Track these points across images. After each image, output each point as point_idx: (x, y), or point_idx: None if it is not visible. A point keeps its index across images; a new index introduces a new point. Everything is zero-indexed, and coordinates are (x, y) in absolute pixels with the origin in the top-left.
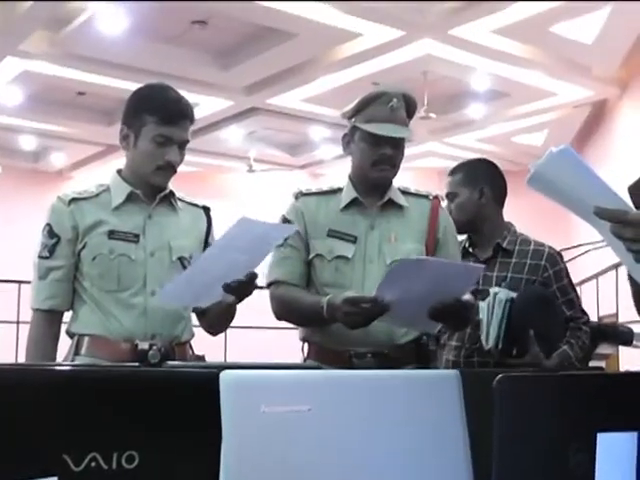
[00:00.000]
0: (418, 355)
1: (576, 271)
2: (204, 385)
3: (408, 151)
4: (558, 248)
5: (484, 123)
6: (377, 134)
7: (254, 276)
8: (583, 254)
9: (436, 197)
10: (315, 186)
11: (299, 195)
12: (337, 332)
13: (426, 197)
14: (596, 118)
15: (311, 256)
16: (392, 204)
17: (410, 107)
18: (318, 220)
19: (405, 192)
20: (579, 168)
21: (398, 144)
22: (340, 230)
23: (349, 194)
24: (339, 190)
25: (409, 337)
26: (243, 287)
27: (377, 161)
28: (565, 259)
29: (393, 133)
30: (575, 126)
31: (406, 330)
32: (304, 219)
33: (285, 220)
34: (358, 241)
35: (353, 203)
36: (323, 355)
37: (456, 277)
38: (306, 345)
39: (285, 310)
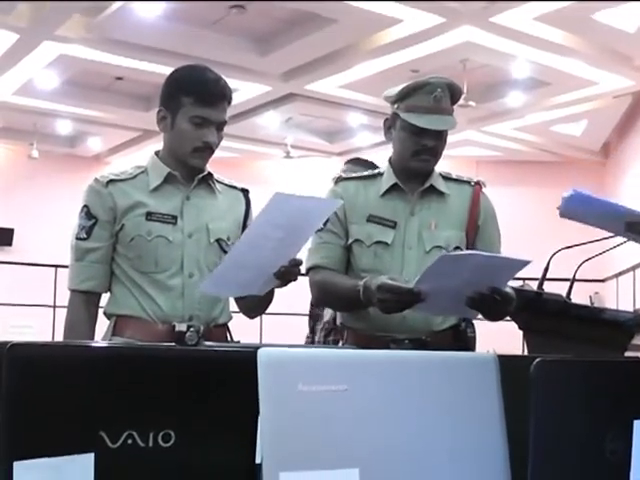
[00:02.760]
0: (456, 341)
1: (612, 263)
2: (241, 364)
3: None
4: (591, 239)
5: (523, 112)
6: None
7: (298, 262)
8: (619, 246)
9: (478, 183)
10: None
11: (339, 180)
12: (375, 318)
13: (468, 183)
14: (636, 109)
15: (350, 241)
16: (433, 190)
17: (454, 96)
18: (357, 205)
19: (447, 178)
20: (593, 203)
21: (440, 135)
22: (380, 215)
23: (389, 180)
24: (379, 175)
25: (447, 324)
26: (288, 273)
27: (418, 151)
28: (599, 251)
29: (435, 125)
30: (615, 117)
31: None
32: (344, 204)
33: None
34: (398, 227)
35: (393, 188)
36: (361, 340)
37: (499, 269)
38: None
39: (325, 295)
